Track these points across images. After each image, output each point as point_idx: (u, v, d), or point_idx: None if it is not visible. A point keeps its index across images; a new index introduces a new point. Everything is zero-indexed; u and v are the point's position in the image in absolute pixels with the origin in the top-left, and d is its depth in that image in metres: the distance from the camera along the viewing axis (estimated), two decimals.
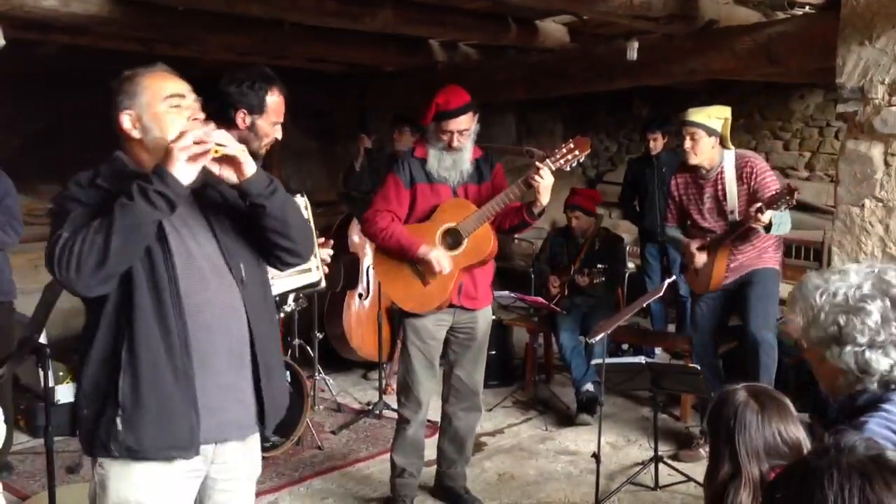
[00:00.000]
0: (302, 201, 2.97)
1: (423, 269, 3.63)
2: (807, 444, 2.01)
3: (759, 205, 3.98)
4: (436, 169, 3.62)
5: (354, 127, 8.13)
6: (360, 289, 5.87)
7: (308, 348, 5.40)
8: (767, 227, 4.07)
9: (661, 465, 4.15)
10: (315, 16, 4.59)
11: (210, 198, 2.17)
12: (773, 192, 4.04)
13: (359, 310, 5.82)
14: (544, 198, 3.50)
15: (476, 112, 3.60)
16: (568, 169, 3.54)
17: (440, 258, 3.57)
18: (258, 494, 4.05)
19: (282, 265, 2.32)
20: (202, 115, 2.10)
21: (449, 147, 3.59)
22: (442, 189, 3.65)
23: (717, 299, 4.49)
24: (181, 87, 2.09)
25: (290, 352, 5.26)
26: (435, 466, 4.08)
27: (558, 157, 3.49)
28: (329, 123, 8.15)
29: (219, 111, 2.83)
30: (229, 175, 2.06)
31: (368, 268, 5.78)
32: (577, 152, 3.48)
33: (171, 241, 2.04)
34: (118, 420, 1.99)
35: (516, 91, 6.41)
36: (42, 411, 4.01)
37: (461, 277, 3.66)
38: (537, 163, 3.48)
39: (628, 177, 6.90)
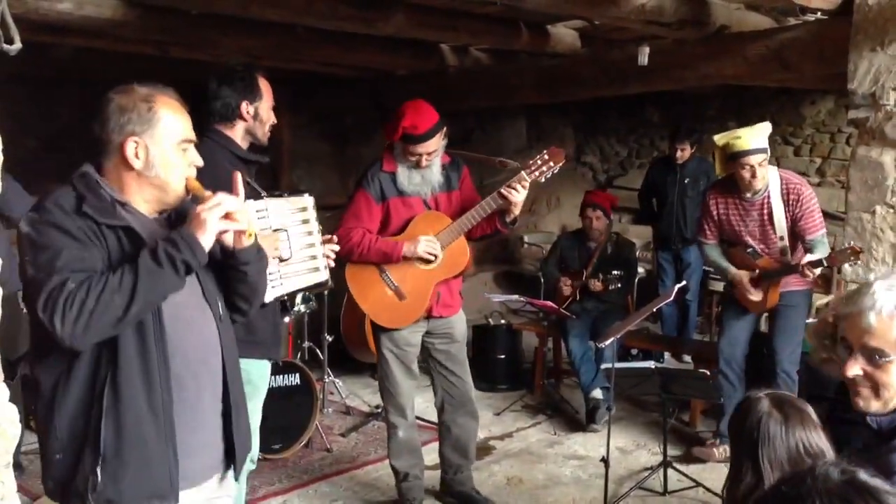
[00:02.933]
0: (310, 200, 3.00)
1: (398, 284, 3.59)
2: (830, 454, 1.96)
3: (813, 259, 3.91)
4: (406, 186, 3.57)
5: (367, 130, 8.16)
6: None
7: (318, 351, 5.42)
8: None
9: (669, 471, 4.14)
10: (329, 20, 4.61)
11: None
12: (839, 251, 3.80)
13: None
14: (518, 209, 3.48)
15: (444, 129, 3.54)
16: (542, 180, 3.48)
17: (429, 246, 3.53)
18: (267, 496, 4.09)
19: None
20: (201, 163, 2.03)
21: (417, 166, 3.55)
22: (414, 201, 3.60)
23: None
24: (190, 128, 2.01)
25: (299, 354, 5.28)
26: (437, 472, 4.08)
27: (533, 168, 3.44)
28: (340, 126, 8.17)
29: (222, 111, 2.94)
30: (227, 238, 2.00)
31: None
32: (551, 163, 3.43)
33: None
34: (98, 470, 1.86)
35: (528, 95, 6.42)
36: None
37: (438, 288, 3.64)
38: (522, 173, 3.43)
39: (649, 178, 6.85)
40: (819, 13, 4.34)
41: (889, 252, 3.62)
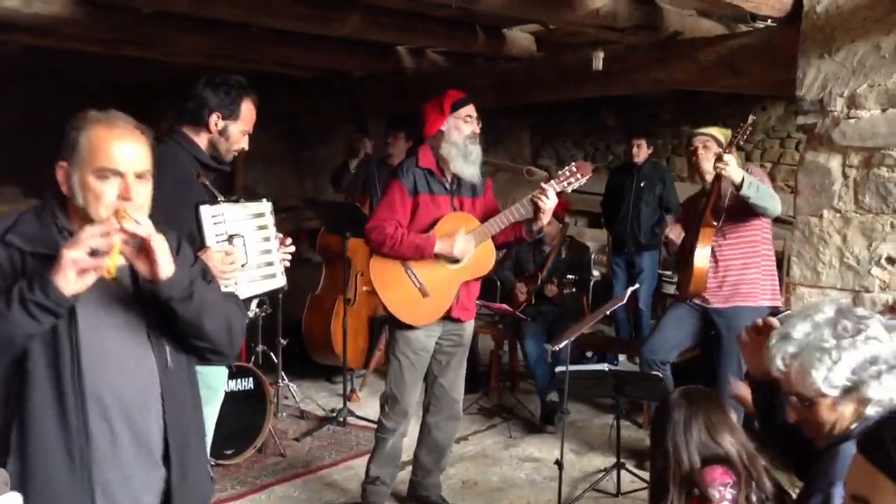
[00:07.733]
0: (267, 206, 2.98)
1: (423, 281, 3.58)
2: (734, 453, 2.05)
3: (719, 151, 4.02)
4: (463, 165, 3.60)
5: (323, 131, 8.11)
6: (349, 294, 5.79)
7: (272, 354, 5.36)
8: (739, 186, 3.94)
9: (623, 472, 4.18)
10: (284, 19, 4.57)
11: None
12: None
13: (344, 317, 5.75)
14: (545, 218, 3.56)
15: None
16: (569, 191, 3.60)
17: (466, 247, 3.56)
18: (219, 503, 4.03)
19: (202, 361, 2.04)
20: (140, 196, 1.81)
21: (473, 135, 3.62)
22: (442, 201, 3.64)
23: (695, 316, 4.33)
24: (121, 160, 1.79)
25: (253, 358, 5.22)
26: (403, 472, 4.05)
27: (562, 179, 3.55)
28: (297, 128, 8.11)
29: (193, 113, 2.88)
30: (142, 269, 1.78)
31: (357, 274, 5.73)
32: (578, 175, 3.55)
33: (79, 313, 1.76)
34: None
35: (485, 98, 6.41)
36: None
37: (460, 289, 3.66)
38: (543, 184, 3.53)
39: (609, 184, 6.90)
40: (769, 20, 4.42)
41: (836, 255, 3.69)
